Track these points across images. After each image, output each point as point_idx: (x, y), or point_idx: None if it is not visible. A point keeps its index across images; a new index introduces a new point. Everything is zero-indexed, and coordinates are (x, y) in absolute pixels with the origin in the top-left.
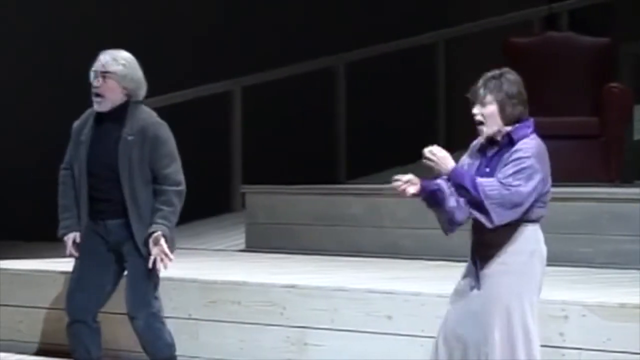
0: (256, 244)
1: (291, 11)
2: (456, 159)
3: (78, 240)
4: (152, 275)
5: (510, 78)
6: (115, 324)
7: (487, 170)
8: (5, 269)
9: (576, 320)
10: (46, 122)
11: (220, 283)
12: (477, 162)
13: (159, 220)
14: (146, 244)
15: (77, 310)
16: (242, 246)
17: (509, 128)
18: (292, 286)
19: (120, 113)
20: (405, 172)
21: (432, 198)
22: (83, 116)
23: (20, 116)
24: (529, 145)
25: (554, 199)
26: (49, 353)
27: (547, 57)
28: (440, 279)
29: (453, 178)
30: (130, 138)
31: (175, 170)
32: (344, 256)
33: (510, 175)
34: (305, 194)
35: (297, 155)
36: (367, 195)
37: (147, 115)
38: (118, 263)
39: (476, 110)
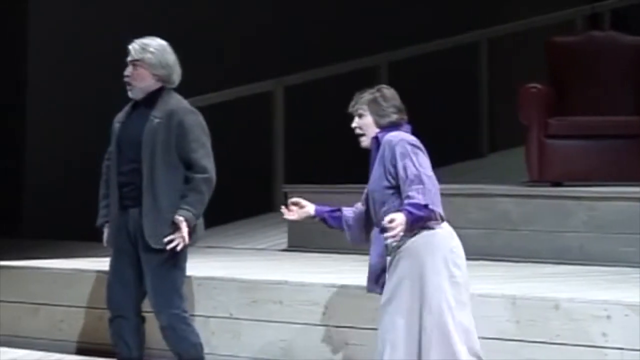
0: (298, 243)
1: (334, 10)
2: (499, 162)
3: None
4: (172, 272)
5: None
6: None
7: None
8: (47, 269)
9: (618, 320)
10: (78, 122)
11: (262, 282)
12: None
13: (184, 206)
14: (158, 240)
15: (116, 305)
16: (284, 245)
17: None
18: (335, 285)
19: (153, 99)
20: (453, 171)
21: (326, 222)
22: (123, 109)
23: (59, 115)
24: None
25: (597, 199)
26: (90, 352)
27: (589, 56)
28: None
29: (412, 221)
30: (157, 121)
31: (202, 156)
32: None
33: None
34: (347, 193)
35: (341, 154)
36: None
37: (177, 101)
38: (128, 255)
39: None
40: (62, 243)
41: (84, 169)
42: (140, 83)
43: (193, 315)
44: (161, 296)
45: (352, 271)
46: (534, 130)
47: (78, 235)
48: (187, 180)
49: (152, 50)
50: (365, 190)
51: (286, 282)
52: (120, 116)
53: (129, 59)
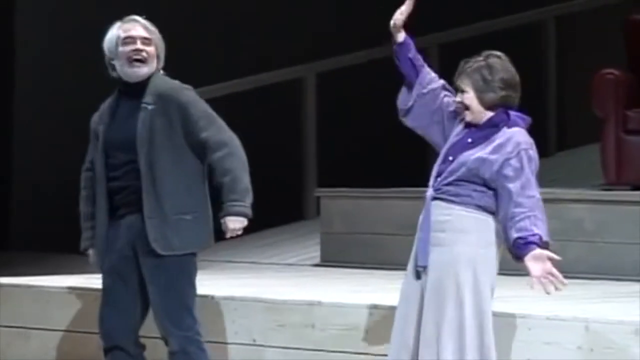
0: (333, 257)
1: None
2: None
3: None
4: (183, 286)
5: (493, 62)
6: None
7: (470, 141)
8: (39, 287)
9: None
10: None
11: (290, 303)
12: (461, 134)
13: (225, 202)
14: (166, 245)
15: (111, 335)
16: (317, 260)
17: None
18: (376, 307)
19: (142, 85)
20: None
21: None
22: (100, 107)
23: (49, 127)
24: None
25: None
26: None
27: None
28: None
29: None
30: (150, 107)
31: (215, 132)
32: None
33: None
34: (390, 198)
35: (381, 154)
36: None
37: (165, 81)
38: (130, 272)
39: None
40: (53, 256)
41: (74, 179)
42: (152, 62)
43: (209, 342)
44: (171, 316)
45: (396, 290)
46: (611, 125)
47: (69, 248)
48: (212, 170)
49: (154, 29)
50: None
51: (319, 303)
52: (101, 117)
53: (141, 34)
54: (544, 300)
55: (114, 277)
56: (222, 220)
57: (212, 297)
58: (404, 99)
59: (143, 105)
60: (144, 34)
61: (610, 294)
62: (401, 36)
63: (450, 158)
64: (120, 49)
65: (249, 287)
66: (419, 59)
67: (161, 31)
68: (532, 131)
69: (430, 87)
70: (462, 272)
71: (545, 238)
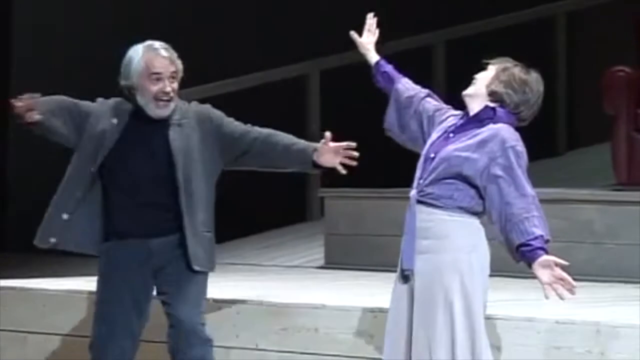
0: (337, 259)
1: None
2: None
3: None
4: (204, 290)
5: (528, 77)
6: None
7: (452, 136)
8: (35, 290)
9: None
10: None
11: (293, 306)
12: (442, 131)
13: (308, 147)
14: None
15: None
16: (321, 262)
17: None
18: (382, 310)
19: None
20: None
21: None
22: (112, 104)
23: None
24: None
25: None
26: None
27: None
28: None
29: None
30: (184, 121)
31: (244, 124)
32: None
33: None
34: (396, 199)
35: (387, 154)
36: None
37: (182, 102)
38: (148, 294)
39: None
40: (50, 258)
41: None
42: (175, 98)
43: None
44: (194, 326)
45: None
46: (622, 123)
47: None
48: (266, 144)
49: (175, 55)
50: (430, 111)
51: (323, 306)
52: (115, 128)
53: (168, 70)
54: (553, 304)
55: (121, 303)
56: (320, 152)
57: (214, 300)
58: (387, 115)
59: (171, 123)
60: (171, 68)
61: (621, 297)
62: (373, 57)
63: (432, 155)
64: (146, 84)
65: (251, 290)
66: (396, 72)
67: (161, 31)
68: (536, 129)
69: (406, 95)
70: (449, 280)
71: (547, 237)
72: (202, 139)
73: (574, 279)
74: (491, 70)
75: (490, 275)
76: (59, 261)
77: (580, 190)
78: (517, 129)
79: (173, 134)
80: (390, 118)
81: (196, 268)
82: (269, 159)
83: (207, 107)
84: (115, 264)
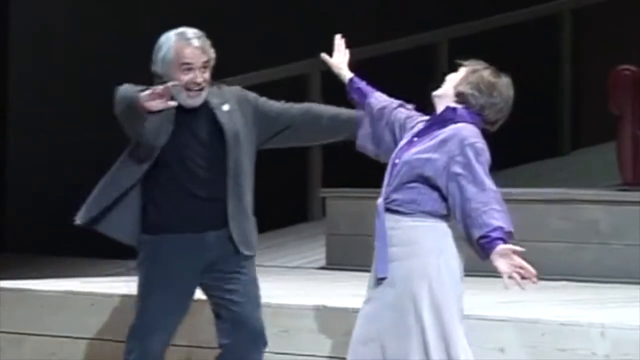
0: (339, 260)
1: None
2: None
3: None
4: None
5: (497, 81)
6: None
7: (416, 139)
8: (33, 291)
9: None
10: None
11: (294, 308)
12: (408, 137)
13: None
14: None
15: (152, 357)
16: (322, 262)
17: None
18: None
19: None
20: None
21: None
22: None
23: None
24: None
25: None
26: None
27: None
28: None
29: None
30: (226, 107)
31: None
32: None
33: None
34: None
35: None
36: None
37: (219, 87)
38: (194, 289)
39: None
40: (49, 259)
41: (70, 181)
42: (206, 87)
43: (210, 348)
44: (255, 305)
45: None
46: (627, 122)
47: (65, 251)
48: (310, 119)
49: (208, 44)
50: (401, 120)
51: (324, 308)
52: (163, 137)
53: (200, 60)
54: (557, 305)
55: (172, 297)
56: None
57: None
58: (360, 131)
59: (215, 110)
60: (203, 58)
61: (627, 299)
62: (347, 75)
63: (397, 161)
64: (177, 74)
65: None
66: (369, 88)
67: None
68: (541, 128)
69: (378, 107)
70: (418, 287)
71: (507, 228)
72: (245, 122)
73: (580, 280)
74: (461, 71)
75: (494, 277)
76: (57, 262)
77: (585, 190)
78: (516, 130)
79: (222, 119)
80: (364, 133)
81: (247, 253)
82: (314, 132)
83: (240, 89)
84: (165, 258)
